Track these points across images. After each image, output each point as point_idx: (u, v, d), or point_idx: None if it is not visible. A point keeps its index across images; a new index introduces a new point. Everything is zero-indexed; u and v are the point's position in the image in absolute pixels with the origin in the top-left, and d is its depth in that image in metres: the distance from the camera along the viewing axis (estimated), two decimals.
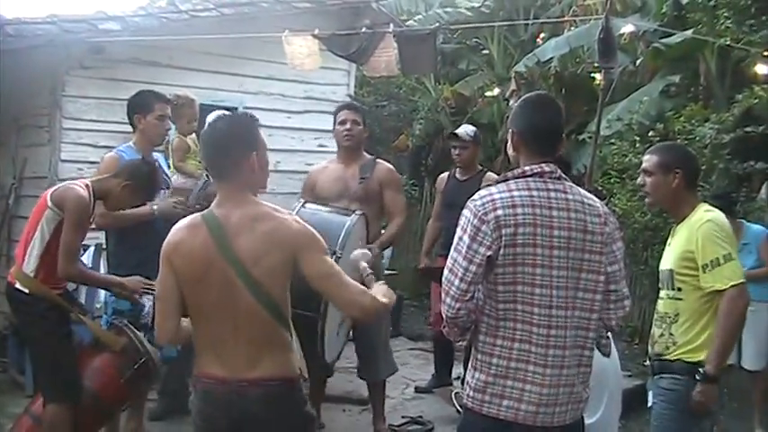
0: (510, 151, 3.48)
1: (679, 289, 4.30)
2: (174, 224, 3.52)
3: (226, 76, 9.31)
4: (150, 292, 4.98)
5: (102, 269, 6.43)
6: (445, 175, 7.63)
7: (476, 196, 3.32)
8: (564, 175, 3.37)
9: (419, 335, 10.04)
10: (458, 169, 7.44)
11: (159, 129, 5.84)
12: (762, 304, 7.25)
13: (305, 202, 5.82)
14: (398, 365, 6.83)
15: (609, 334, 3.61)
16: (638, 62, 12.23)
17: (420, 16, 13.26)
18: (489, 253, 3.16)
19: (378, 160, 6.46)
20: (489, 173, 7.46)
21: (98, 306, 5.87)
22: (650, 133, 10.61)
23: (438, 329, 7.23)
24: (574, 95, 12.13)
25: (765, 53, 10.11)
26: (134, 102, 5.87)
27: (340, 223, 5.58)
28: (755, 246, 7.30)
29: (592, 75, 13.21)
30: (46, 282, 4.98)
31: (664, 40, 11.30)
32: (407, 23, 12.31)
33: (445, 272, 3.26)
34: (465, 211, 3.29)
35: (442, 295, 3.25)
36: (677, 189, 4.38)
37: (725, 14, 10.38)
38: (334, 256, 5.29)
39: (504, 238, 3.16)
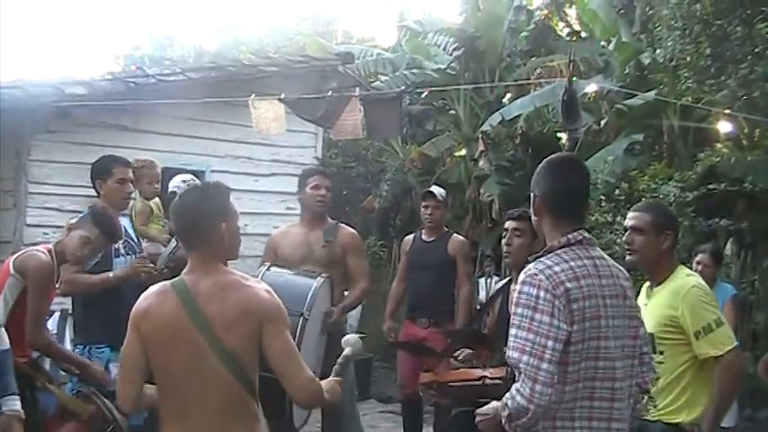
0: (533, 217, 3.35)
1: (661, 352, 4.15)
2: (143, 290, 3.49)
3: (193, 140, 9.34)
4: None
5: (68, 335, 6.36)
6: (411, 236, 7.62)
7: (532, 270, 3.10)
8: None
9: (389, 397, 9.95)
10: (423, 231, 7.44)
11: (120, 193, 5.77)
12: None
13: (270, 266, 5.78)
14: (368, 429, 6.74)
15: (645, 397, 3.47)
16: (602, 122, 12.37)
17: (387, 78, 13.35)
18: (570, 329, 2.99)
19: (340, 224, 6.41)
20: (455, 235, 7.47)
21: (63, 373, 5.78)
22: (616, 192, 10.70)
23: (406, 392, 7.19)
24: (540, 155, 12.13)
25: (726, 111, 10.28)
26: (95, 167, 5.84)
27: (306, 285, 5.55)
28: (722, 302, 7.34)
29: (557, 134, 13.36)
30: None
31: (627, 102, 11.47)
32: (374, 85, 12.41)
33: (524, 357, 2.99)
34: (525, 288, 3.07)
35: (528, 383, 2.99)
36: (666, 251, 4.31)
37: (686, 75, 10.54)
38: (301, 318, 5.26)
39: (575, 314, 3.01)
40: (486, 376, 4.54)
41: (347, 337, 4.05)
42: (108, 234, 5.25)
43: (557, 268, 3.06)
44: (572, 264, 3.09)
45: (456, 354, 5.25)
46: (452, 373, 4.90)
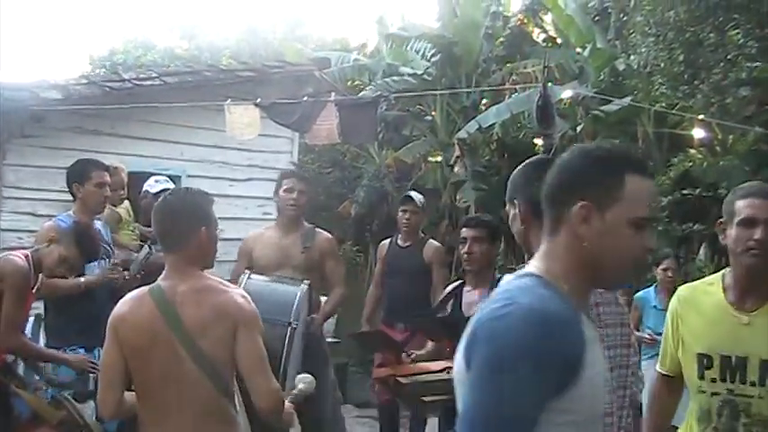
0: (517, 226, 3.01)
1: None
2: (116, 293, 3.51)
3: (168, 145, 9.32)
4: (95, 370, 4.96)
5: (42, 340, 6.33)
6: (387, 241, 7.63)
7: None
8: None
9: (365, 402, 9.94)
10: (399, 236, 7.46)
11: (98, 196, 5.79)
12: None
13: (251, 273, 5.73)
14: None
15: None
16: (577, 128, 12.43)
17: (371, 86, 13.22)
18: None
19: (317, 229, 6.39)
20: (431, 240, 7.49)
21: (37, 378, 5.75)
22: None
23: (383, 398, 7.19)
24: (516, 160, 12.15)
25: (700, 117, 10.36)
26: (71, 171, 5.84)
27: (291, 293, 5.51)
28: None
29: (533, 140, 13.41)
30: None
31: (602, 108, 11.54)
32: (361, 93, 12.36)
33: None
34: None
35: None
36: None
37: (660, 81, 10.63)
38: (289, 328, 5.25)
39: None
40: (450, 367, 4.38)
41: (302, 376, 4.07)
42: (87, 255, 5.24)
43: None
44: None
45: (409, 354, 5.10)
46: (411, 367, 4.77)
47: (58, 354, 5.28)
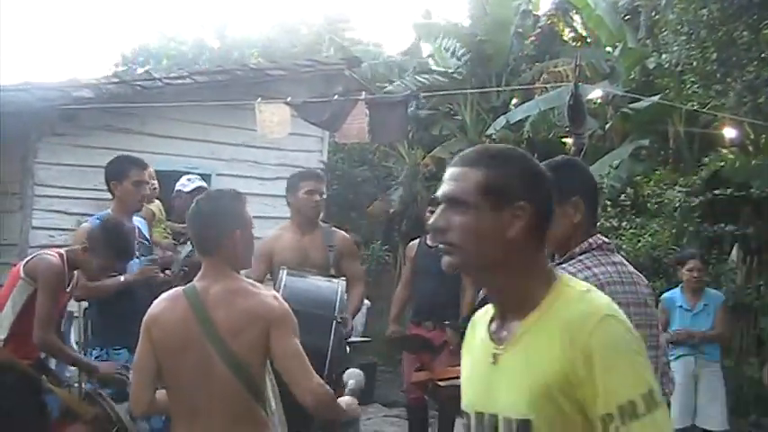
0: (570, 223, 2.96)
1: None
2: (155, 293, 3.51)
3: (199, 143, 9.35)
4: (123, 375, 4.97)
5: (73, 337, 6.36)
6: (416, 242, 7.59)
7: None
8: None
9: (393, 401, 9.92)
10: (428, 236, 7.42)
11: (136, 195, 5.69)
12: (717, 364, 7.26)
13: (287, 269, 5.68)
14: None
15: None
16: (607, 126, 12.37)
17: (398, 82, 13.25)
18: None
19: (332, 228, 6.38)
20: None
21: (68, 375, 5.78)
22: (621, 197, 10.70)
23: (412, 397, 7.18)
24: (546, 160, 12.17)
25: (732, 117, 10.28)
26: (110, 168, 5.75)
27: (331, 289, 5.52)
28: (714, 309, 7.29)
29: (563, 139, 13.35)
30: (16, 352, 4.92)
31: (633, 105, 11.47)
32: (387, 90, 12.36)
33: None
34: None
35: None
36: (522, 239, 2.09)
37: (691, 80, 10.54)
38: (334, 321, 5.26)
39: None
40: None
41: (350, 372, 4.01)
42: (120, 255, 5.21)
43: (580, 276, 2.72)
44: (595, 270, 2.87)
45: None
46: (449, 370, 4.74)
47: (86, 360, 5.29)
